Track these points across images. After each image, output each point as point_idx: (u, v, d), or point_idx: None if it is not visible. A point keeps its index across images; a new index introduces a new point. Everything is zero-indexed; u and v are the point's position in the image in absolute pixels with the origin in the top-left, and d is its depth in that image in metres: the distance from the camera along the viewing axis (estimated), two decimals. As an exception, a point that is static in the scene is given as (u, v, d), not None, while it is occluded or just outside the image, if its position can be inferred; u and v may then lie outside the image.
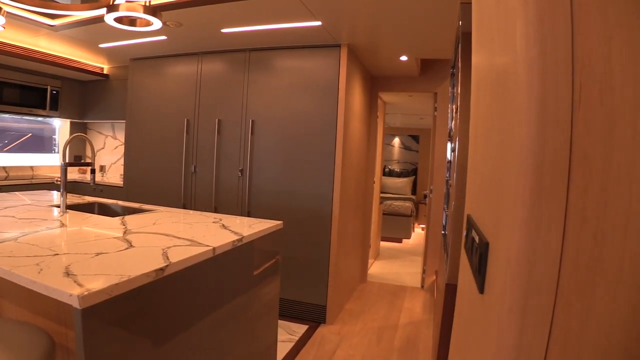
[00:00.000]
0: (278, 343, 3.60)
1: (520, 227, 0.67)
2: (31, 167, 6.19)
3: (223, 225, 2.73)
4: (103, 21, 2.86)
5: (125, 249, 2.03)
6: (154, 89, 5.07)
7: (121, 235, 2.31)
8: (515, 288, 0.68)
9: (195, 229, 2.56)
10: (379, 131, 5.92)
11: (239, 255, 2.43)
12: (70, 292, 1.43)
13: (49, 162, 6.51)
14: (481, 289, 0.90)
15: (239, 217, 3.07)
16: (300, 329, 4.00)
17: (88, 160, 6.77)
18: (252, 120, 4.39)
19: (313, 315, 4.20)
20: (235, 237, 2.36)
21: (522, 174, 0.67)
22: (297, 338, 3.79)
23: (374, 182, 5.86)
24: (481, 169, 1.12)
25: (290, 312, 4.28)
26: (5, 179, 5.48)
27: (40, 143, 6.78)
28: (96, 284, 1.50)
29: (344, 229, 4.36)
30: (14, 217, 2.73)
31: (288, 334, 3.88)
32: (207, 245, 2.13)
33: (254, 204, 4.43)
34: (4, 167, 5.83)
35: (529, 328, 0.69)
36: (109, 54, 5.28)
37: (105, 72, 6.07)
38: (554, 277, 0.66)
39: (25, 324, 1.83)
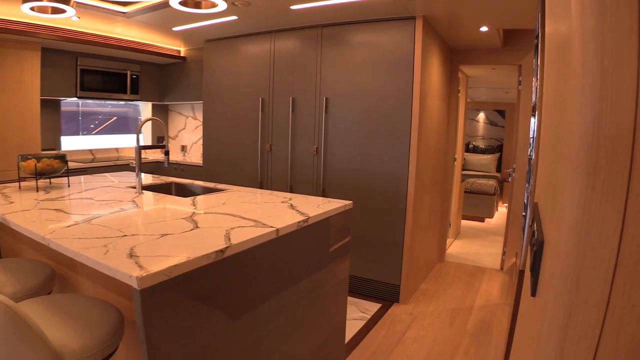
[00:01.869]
0: (350, 321, 3.61)
1: (567, 232, 0.58)
2: (116, 149, 6.49)
3: (291, 205, 2.72)
4: (170, 5, 2.89)
5: (191, 230, 2.06)
6: (228, 69, 5.13)
7: (189, 216, 2.36)
8: (558, 307, 0.59)
9: (263, 209, 2.57)
10: (460, 106, 5.69)
11: (306, 235, 2.41)
12: (130, 274, 1.46)
13: (133, 143, 6.79)
14: (533, 291, 0.81)
15: (309, 197, 3.03)
16: (373, 307, 3.98)
17: (171, 141, 7.01)
18: (326, 98, 4.33)
19: (386, 294, 4.15)
20: (301, 218, 2.34)
21: (572, 168, 0.57)
22: (369, 316, 3.77)
23: (455, 159, 5.66)
24: (547, 152, 1.01)
25: (364, 290, 4.26)
26: (92, 161, 5.78)
27: (125, 125, 7.09)
28: (156, 266, 1.53)
29: (420, 207, 4.25)
30: (92, 199, 2.86)
31: (360, 311, 3.87)
32: (271, 227, 2.12)
33: (328, 182, 4.40)
34: (90, 150, 6.16)
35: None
36: (184, 36, 5.39)
37: (181, 54, 6.22)
38: (604, 297, 0.57)
39: (98, 300, 1.92)
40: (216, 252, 1.73)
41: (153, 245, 1.80)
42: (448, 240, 5.87)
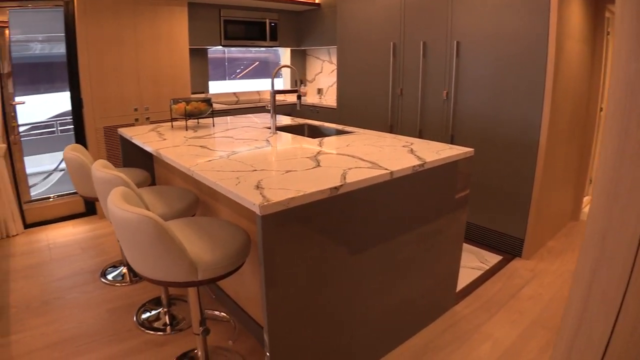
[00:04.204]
0: (467, 269, 3.64)
1: (598, 192, 0.61)
2: (258, 92, 6.96)
3: (411, 149, 2.78)
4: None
5: (313, 167, 2.27)
6: (361, 13, 5.22)
7: (314, 155, 2.57)
8: (583, 263, 0.63)
9: (383, 152, 2.68)
10: (609, 50, 5.26)
11: (422, 180, 2.48)
12: (254, 202, 1.72)
13: (275, 86, 7.21)
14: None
15: (430, 142, 3.05)
16: (493, 258, 3.94)
17: (308, 84, 7.32)
18: (457, 42, 4.26)
19: (509, 247, 4.08)
20: (417, 162, 2.40)
21: (607, 129, 0.59)
22: (487, 267, 3.75)
23: (601, 109, 5.26)
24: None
25: (486, 239, 4.23)
26: (236, 103, 6.32)
27: (267, 69, 7.52)
28: (277, 197, 1.77)
29: (552, 159, 4.07)
30: (232, 137, 3.20)
31: (479, 261, 3.87)
32: (386, 169, 2.25)
33: (457, 128, 4.37)
34: (234, 93, 6.68)
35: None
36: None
37: (317, 1, 6.41)
38: (629, 257, 0.58)
39: (230, 223, 2.26)
40: (330, 188, 1.92)
41: (278, 179, 2.05)
42: (585, 198, 5.55)
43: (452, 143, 3.92)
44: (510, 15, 3.82)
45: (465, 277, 3.50)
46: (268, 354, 1.95)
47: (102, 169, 2.46)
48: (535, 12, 3.70)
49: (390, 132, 4.41)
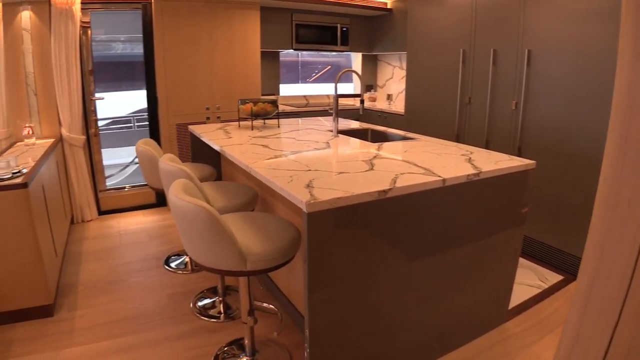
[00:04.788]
0: (523, 286, 3.50)
1: (597, 202, 0.61)
2: (327, 96, 7.08)
3: (470, 159, 2.74)
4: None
5: (365, 170, 2.34)
6: (432, 19, 5.21)
7: (369, 159, 2.63)
8: (582, 277, 0.61)
9: (439, 160, 2.67)
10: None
11: (478, 190, 2.45)
12: (302, 199, 1.80)
13: (343, 90, 7.30)
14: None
15: (491, 152, 2.97)
16: (553, 277, 3.77)
17: (379, 89, 7.35)
18: (528, 50, 4.17)
19: (571, 267, 3.89)
20: (472, 172, 2.36)
21: (609, 134, 0.59)
22: (545, 286, 3.60)
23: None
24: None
25: (547, 257, 4.06)
26: (305, 105, 6.47)
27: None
28: (324, 196, 1.85)
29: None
30: (294, 139, 3.32)
31: (538, 279, 3.72)
32: (439, 176, 2.25)
33: (525, 140, 4.26)
34: (304, 96, 6.82)
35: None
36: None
37: (388, 6, 6.45)
38: (627, 271, 0.56)
39: (284, 220, 2.36)
40: (379, 191, 1.98)
41: (329, 179, 2.13)
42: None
43: (519, 155, 3.84)
44: (588, 22, 3.64)
45: (520, 294, 3.38)
46: (307, 347, 2.03)
47: (168, 162, 2.63)
48: (617, 19, 3.53)
49: (457, 141, 4.37)
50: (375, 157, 2.69)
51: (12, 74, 4.51)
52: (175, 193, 1.96)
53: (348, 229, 1.97)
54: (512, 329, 3.03)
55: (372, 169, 2.38)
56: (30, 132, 4.40)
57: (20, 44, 4.52)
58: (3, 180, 2.90)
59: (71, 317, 3.13)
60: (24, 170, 3.09)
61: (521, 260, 3.74)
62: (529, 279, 3.69)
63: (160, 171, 2.76)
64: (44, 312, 3.11)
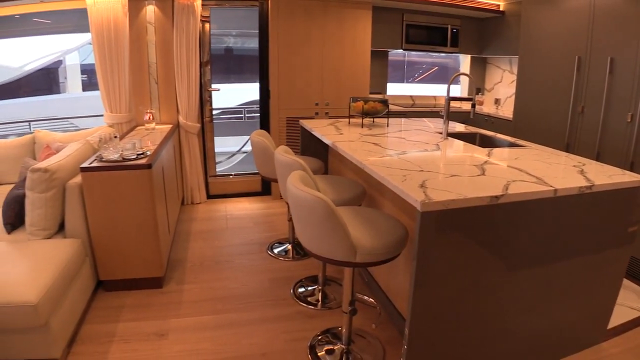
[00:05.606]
0: (625, 308, 3.33)
1: None
2: (434, 97, 7.05)
3: (582, 170, 2.63)
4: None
5: (477, 175, 2.35)
6: (546, 24, 5.02)
7: (480, 164, 2.63)
8: None
9: (550, 169, 2.60)
10: None
11: (589, 204, 2.37)
12: (417, 199, 1.87)
13: (451, 92, 7.22)
14: None
15: (604, 166, 2.82)
16: None
17: (486, 93, 7.20)
18: (652, 61, 3.95)
19: None
20: (585, 184, 2.29)
21: None
22: None
23: None
24: None
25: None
26: (412, 106, 6.51)
27: (445, 75, 7.56)
28: (438, 197, 1.90)
29: None
30: (404, 139, 3.38)
31: None
32: (550, 186, 2.20)
33: (639, 155, 4.07)
34: (410, 96, 6.84)
35: None
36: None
37: (501, 9, 6.29)
38: None
39: (392, 217, 2.44)
40: (491, 197, 1.99)
41: (442, 181, 2.17)
42: None
43: (631, 170, 3.67)
44: None
45: (620, 316, 3.21)
46: (406, 346, 2.09)
47: (284, 154, 2.78)
48: None
49: (566, 151, 4.22)
50: (486, 162, 2.69)
51: (137, 63, 4.92)
52: (294, 184, 2.09)
53: (457, 232, 2.00)
54: (608, 350, 2.91)
55: (483, 174, 2.39)
56: (151, 118, 4.76)
57: (144, 36, 4.90)
58: (130, 160, 3.18)
59: (179, 290, 3.39)
60: (148, 153, 3.37)
61: (625, 281, 3.57)
62: (632, 301, 3.50)
63: (275, 162, 2.92)
64: (155, 283, 3.41)
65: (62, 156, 3.21)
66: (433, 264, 1.99)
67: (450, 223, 1.97)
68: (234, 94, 8.35)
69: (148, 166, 3.13)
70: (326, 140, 3.28)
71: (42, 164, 2.95)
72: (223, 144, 7.01)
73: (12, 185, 3.43)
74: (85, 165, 3.10)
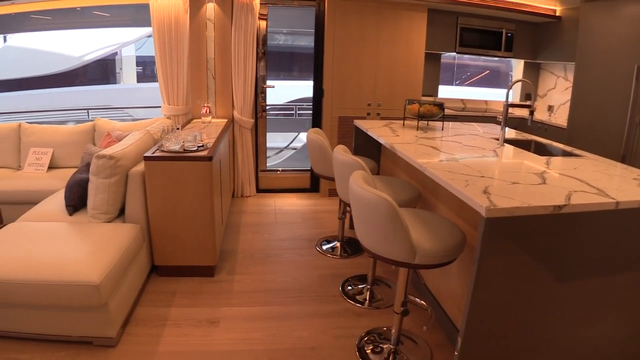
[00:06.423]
0: None
1: None
2: (485, 101, 6.97)
3: None
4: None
5: (538, 184, 2.34)
6: (605, 31, 4.90)
7: (540, 172, 2.61)
8: None
9: (611, 181, 2.56)
10: None
11: None
12: (481, 204, 1.89)
13: (501, 97, 7.14)
14: None
15: None
16: None
17: (539, 99, 7.08)
18: None
19: None
20: None
21: None
22: None
23: None
24: None
25: None
26: (462, 109, 6.48)
27: (496, 79, 7.47)
28: (502, 204, 1.91)
29: None
30: (460, 143, 3.39)
31: None
32: (612, 198, 2.16)
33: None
34: (461, 100, 6.79)
35: None
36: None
37: (557, 14, 6.16)
38: None
39: (450, 221, 2.46)
40: (554, 206, 1.99)
41: (503, 188, 2.18)
42: None
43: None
44: None
45: None
46: (457, 354, 2.12)
47: (343, 153, 2.83)
48: None
49: (622, 162, 4.15)
50: (545, 171, 2.67)
51: (195, 58, 5.06)
52: (357, 183, 2.14)
53: (517, 239, 2.02)
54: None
55: (544, 182, 2.38)
56: (208, 112, 4.89)
57: (204, 32, 5.03)
58: (191, 151, 3.29)
59: (230, 280, 3.49)
60: (208, 145, 3.48)
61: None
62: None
63: (334, 161, 2.98)
64: (207, 272, 3.52)
65: (126, 144, 3.35)
66: (492, 269, 2.01)
67: (512, 230, 1.99)
68: (284, 91, 8.46)
69: (209, 158, 3.24)
70: (383, 141, 3.32)
71: (107, 151, 3.09)
72: (271, 140, 7.13)
73: (73, 169, 3.58)
74: (148, 154, 3.23)
